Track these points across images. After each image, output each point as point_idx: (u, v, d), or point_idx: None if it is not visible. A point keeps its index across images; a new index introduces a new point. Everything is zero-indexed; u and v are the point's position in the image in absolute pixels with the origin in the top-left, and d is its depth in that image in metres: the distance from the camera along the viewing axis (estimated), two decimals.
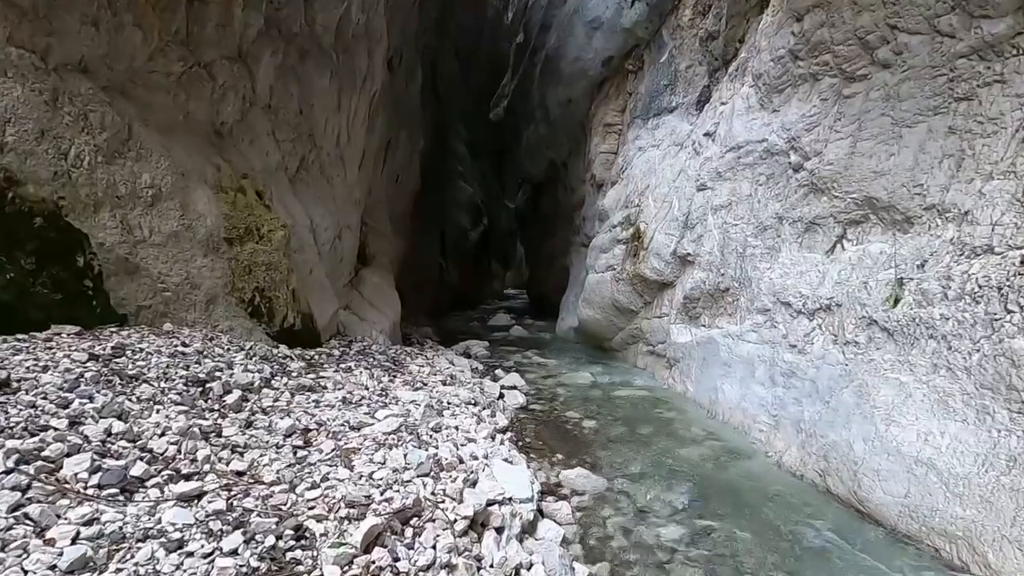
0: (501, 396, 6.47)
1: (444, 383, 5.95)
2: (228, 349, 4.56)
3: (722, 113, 7.01)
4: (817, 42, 5.11)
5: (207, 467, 2.68)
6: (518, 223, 23.19)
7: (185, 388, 3.40)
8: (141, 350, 3.67)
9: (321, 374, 5.11)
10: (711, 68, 8.18)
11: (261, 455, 2.96)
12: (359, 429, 3.65)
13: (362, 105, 8.64)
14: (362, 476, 2.91)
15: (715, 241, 6.66)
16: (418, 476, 3.07)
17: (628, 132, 10.43)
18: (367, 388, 4.96)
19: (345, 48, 8.06)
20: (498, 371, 8.10)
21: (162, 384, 3.34)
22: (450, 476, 3.19)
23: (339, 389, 4.71)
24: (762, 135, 5.99)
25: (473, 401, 5.64)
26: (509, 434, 5.13)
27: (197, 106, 5.87)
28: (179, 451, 2.73)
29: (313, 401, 4.18)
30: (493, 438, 4.39)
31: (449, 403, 5.14)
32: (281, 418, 3.55)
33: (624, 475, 4.50)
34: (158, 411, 3.02)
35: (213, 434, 3.05)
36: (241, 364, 4.25)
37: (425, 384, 5.61)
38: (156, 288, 4.78)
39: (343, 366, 5.65)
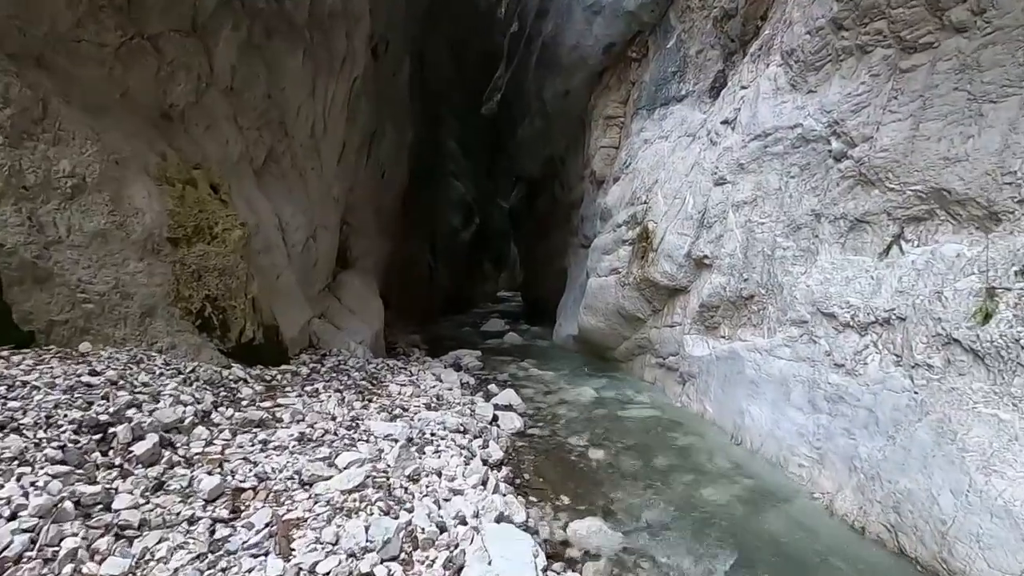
0: (495, 419, 5.65)
1: (429, 406, 5.12)
2: (160, 374, 3.71)
3: (743, 98, 6.23)
4: (868, 7, 4.33)
5: (68, 569, 1.84)
6: (512, 223, 22.36)
7: (75, 437, 2.56)
8: (24, 384, 2.81)
9: (280, 401, 4.26)
10: (726, 51, 7.41)
11: (160, 540, 2.12)
12: (311, 486, 2.82)
13: (340, 91, 7.80)
14: (301, 571, 2.08)
15: (737, 242, 5.88)
16: (383, 562, 2.24)
17: (632, 124, 9.64)
18: (334, 419, 4.13)
19: (320, 27, 7.22)
20: (491, 386, 7.28)
21: (41, 433, 2.50)
22: (427, 557, 2.37)
23: (298, 422, 3.87)
24: (794, 120, 5.21)
25: (462, 429, 4.81)
26: (504, 471, 4.31)
27: (138, 84, 5.02)
28: (33, 544, 1.89)
29: (260, 442, 3.34)
30: (485, 483, 3.56)
31: (433, 434, 4.31)
32: (208, 472, 2.72)
33: (645, 527, 3.70)
34: (20, 477, 2.17)
35: (99, 507, 2.21)
36: (172, 394, 3.41)
37: (406, 410, 4.77)
38: (75, 299, 3.92)
39: (309, 388, 4.81)
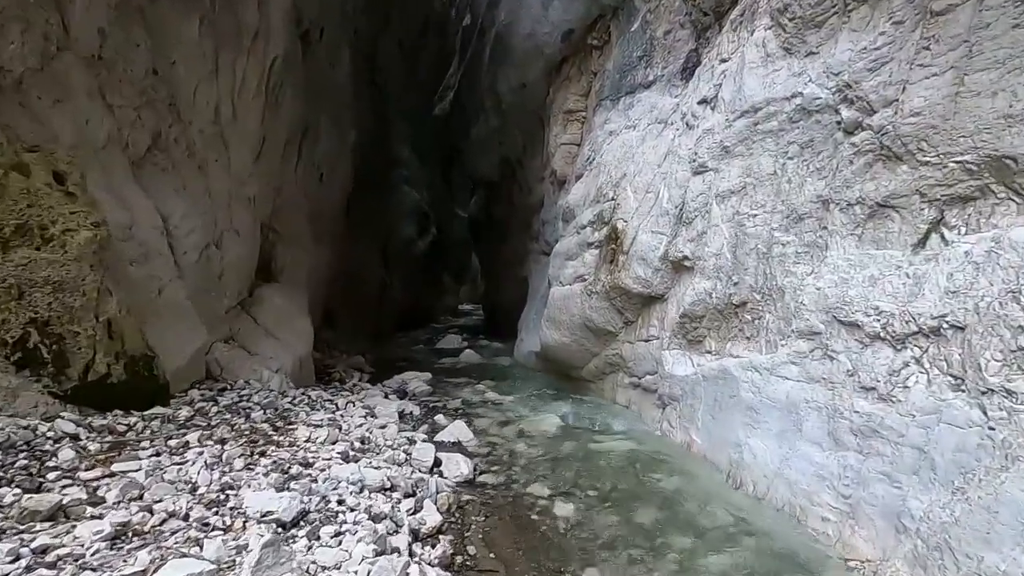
0: (437, 465, 4.49)
1: (346, 456, 3.93)
2: None
3: (724, 72, 5.35)
4: None
5: None
6: (472, 232, 21.27)
7: None
8: None
9: (117, 467, 3.01)
10: (699, 27, 6.56)
11: None
12: None
13: (253, 72, 6.59)
14: None
15: (724, 239, 4.94)
16: None
17: (595, 117, 8.74)
18: (194, 490, 2.91)
19: None
20: (439, 417, 6.13)
21: None
22: None
23: (128, 503, 2.64)
24: (791, 89, 4.32)
25: (388, 485, 3.65)
26: (440, 547, 3.17)
27: None
28: None
29: (37, 548, 2.11)
30: None
31: (340, 502, 3.14)
32: None
33: None
34: None
35: None
36: None
37: (309, 466, 3.57)
38: None
39: (175, 443, 3.55)
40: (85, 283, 3.85)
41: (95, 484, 2.78)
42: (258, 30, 6.48)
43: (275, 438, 4.02)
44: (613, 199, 6.77)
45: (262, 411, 4.71)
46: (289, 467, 3.45)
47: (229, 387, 5.17)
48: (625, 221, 6.37)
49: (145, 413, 4.00)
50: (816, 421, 3.70)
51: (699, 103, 5.66)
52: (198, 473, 3.05)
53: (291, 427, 4.34)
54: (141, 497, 2.71)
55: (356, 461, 3.92)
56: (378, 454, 4.30)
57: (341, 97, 11.16)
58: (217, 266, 5.91)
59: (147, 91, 5.35)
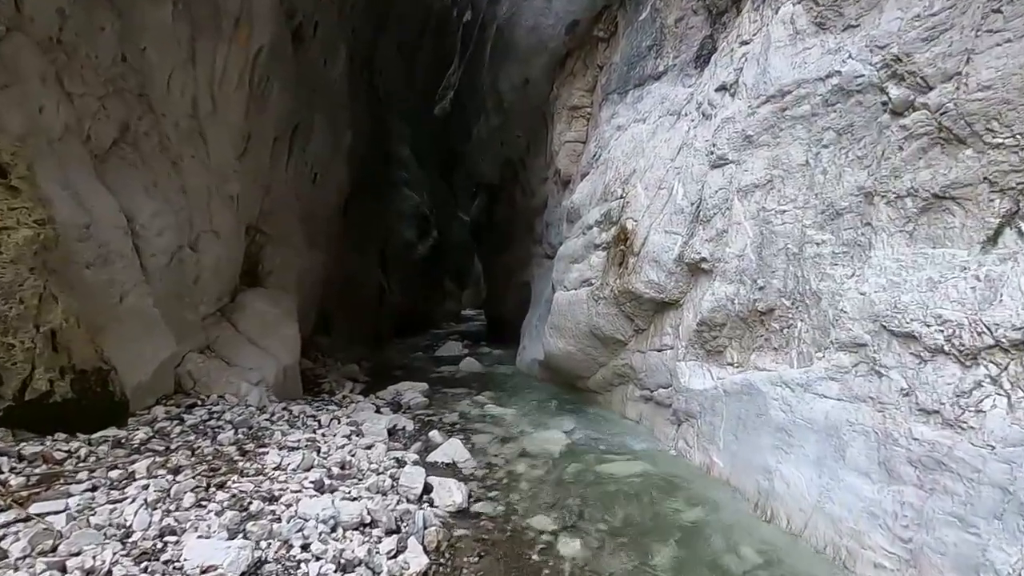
0: (427, 492, 3.99)
1: (321, 485, 3.43)
2: None
3: (745, 55, 4.86)
4: None
5: None
6: (474, 236, 20.80)
7: None
8: None
9: (36, 508, 2.52)
10: (714, 12, 6.08)
11: None
12: None
13: (235, 62, 6.14)
14: None
15: (747, 238, 4.44)
16: None
17: (601, 112, 8.26)
18: (126, 538, 2.42)
19: None
20: (433, 434, 5.62)
21: None
22: None
23: (33, 558, 2.15)
24: (826, 68, 3.82)
25: (368, 520, 3.16)
26: None
27: None
28: None
29: None
30: None
31: (306, 547, 2.64)
32: None
33: None
34: None
35: None
36: None
37: (274, 499, 3.08)
38: None
39: (117, 473, 3.06)
40: (23, 288, 3.38)
41: (5, 531, 2.29)
42: (239, 18, 6.04)
43: (240, 465, 3.53)
44: (622, 197, 6.27)
45: (233, 431, 4.22)
46: (249, 502, 2.95)
47: (200, 403, 4.69)
48: (635, 220, 5.88)
49: (94, 436, 3.52)
50: (863, 448, 3.18)
51: (717, 90, 5.16)
52: (135, 514, 2.56)
53: (262, 451, 3.84)
54: (55, 549, 2.22)
55: (332, 492, 3.42)
56: (360, 481, 3.80)
57: (336, 96, 10.73)
58: (192, 270, 5.45)
59: (115, 79, 4.91)
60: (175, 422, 4.15)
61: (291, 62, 8.19)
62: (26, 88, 4.13)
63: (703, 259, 4.92)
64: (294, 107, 8.38)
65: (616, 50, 8.26)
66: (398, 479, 4.06)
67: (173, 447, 3.66)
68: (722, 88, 5.10)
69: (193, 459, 3.50)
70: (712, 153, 4.96)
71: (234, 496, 3.01)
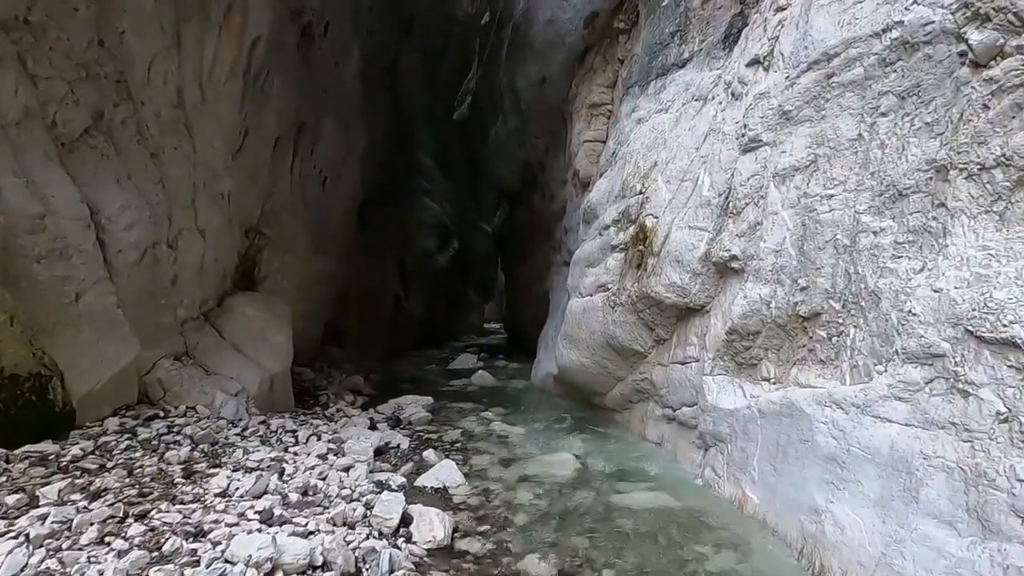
0: (405, 524, 3.40)
1: (269, 516, 2.88)
2: None
3: (782, 23, 4.22)
4: None
5: None
6: (496, 246, 20.34)
7: None
8: None
9: None
10: None
11: None
12: None
13: (226, 51, 5.79)
14: None
15: (785, 230, 3.76)
16: None
17: (621, 107, 7.68)
18: None
19: None
20: (428, 453, 5.05)
21: None
22: None
23: None
24: (884, 20, 3.16)
25: (320, 563, 2.59)
26: None
27: None
28: None
29: None
30: None
31: None
32: None
33: None
34: None
35: None
36: None
37: (204, 533, 2.53)
38: None
39: (16, 498, 2.57)
40: None
41: None
42: (232, 3, 5.70)
43: (179, 489, 3.01)
44: (641, 192, 5.64)
45: (189, 447, 3.72)
46: (166, 539, 2.41)
47: (162, 414, 4.22)
48: (655, 217, 5.24)
49: (16, 451, 3.06)
50: (944, 488, 2.46)
51: (748, 65, 4.53)
52: (7, 554, 2.04)
53: (212, 471, 3.32)
54: None
55: (281, 524, 2.86)
56: (323, 511, 3.24)
57: (349, 98, 10.43)
58: (169, 269, 5.04)
59: (89, 64, 4.58)
60: (125, 436, 3.68)
61: (296, 59, 7.88)
62: None
63: (733, 257, 4.25)
64: (299, 106, 8.05)
65: (637, 41, 7.68)
66: (372, 507, 3.48)
67: (109, 466, 3.18)
68: (754, 62, 4.46)
69: (126, 481, 3.00)
70: (743, 136, 4.31)
71: (152, 530, 2.48)
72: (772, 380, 3.90)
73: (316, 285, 9.12)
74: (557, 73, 9.37)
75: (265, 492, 3.17)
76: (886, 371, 2.90)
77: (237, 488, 3.10)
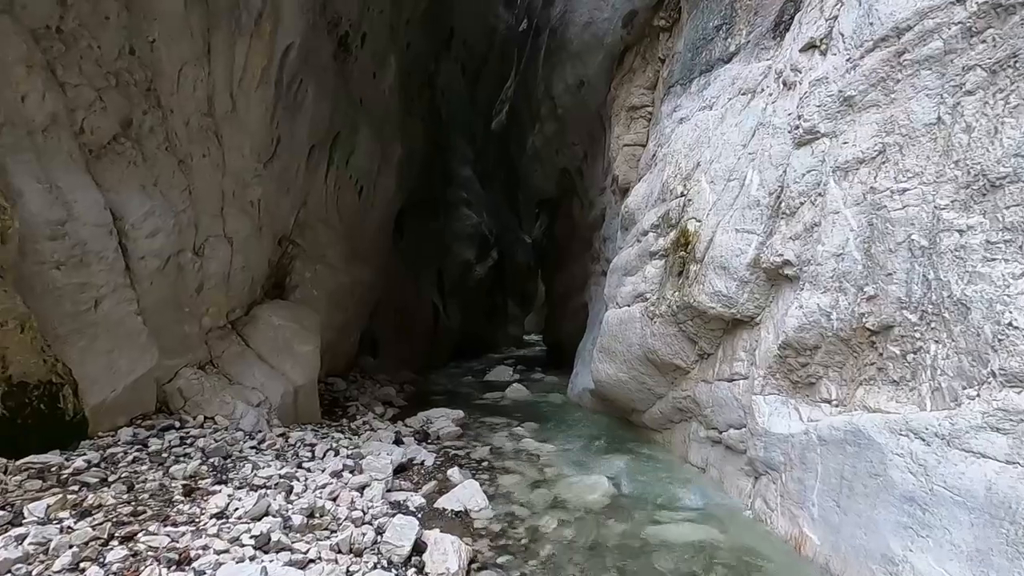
0: (417, 553, 3.11)
1: (266, 541, 2.65)
2: None
3: (841, 1, 3.78)
4: None
5: None
6: (536, 257, 20.07)
7: None
8: None
9: None
10: None
11: None
12: None
13: (257, 59, 5.77)
14: None
15: (848, 231, 3.30)
16: None
17: (662, 107, 7.28)
18: None
19: None
20: (453, 471, 4.77)
21: None
22: None
23: None
24: None
25: None
26: None
27: None
28: None
29: None
30: None
31: None
32: None
33: None
34: None
35: None
36: None
37: (190, 560, 2.32)
38: None
39: (2, 513, 2.43)
40: None
41: None
42: (262, 11, 5.68)
43: (175, 508, 2.82)
44: (682, 195, 5.23)
45: (199, 461, 3.57)
46: (147, 566, 2.20)
47: (178, 425, 4.10)
48: (698, 220, 4.82)
49: (19, 462, 2.95)
50: None
51: (802, 50, 4.08)
52: None
53: (215, 489, 3.13)
54: None
55: (279, 551, 2.62)
56: (328, 535, 2.99)
57: (385, 110, 10.42)
58: (194, 277, 4.99)
59: (119, 72, 4.60)
60: (135, 447, 3.56)
61: (332, 69, 7.88)
62: (11, 76, 3.82)
63: (786, 262, 3.79)
64: (334, 115, 8.03)
65: (679, 38, 7.28)
66: (383, 532, 3.21)
67: (111, 480, 3.04)
68: (810, 47, 4.02)
69: (123, 497, 2.84)
70: (797, 128, 3.87)
71: (134, 555, 2.28)
72: (833, 402, 3.42)
73: (350, 295, 9.05)
74: (595, 76, 9.06)
75: (266, 514, 2.94)
76: (979, 396, 2.42)
77: (236, 509, 2.89)
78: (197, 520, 2.71)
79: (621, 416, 6.67)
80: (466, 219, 17.54)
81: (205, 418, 4.40)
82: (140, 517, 2.64)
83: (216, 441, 3.94)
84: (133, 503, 2.78)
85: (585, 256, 11.10)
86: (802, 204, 3.75)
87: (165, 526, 2.57)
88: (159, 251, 4.53)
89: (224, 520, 2.76)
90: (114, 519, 2.56)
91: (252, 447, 4.14)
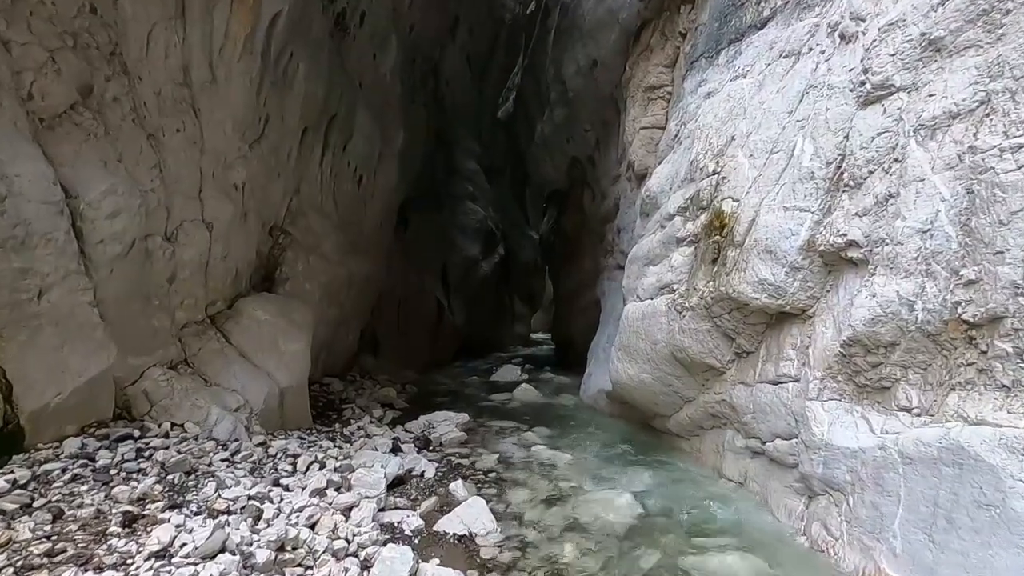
0: None
1: None
2: None
3: None
4: None
5: None
6: (543, 253, 19.47)
7: None
8: None
9: None
10: None
11: None
12: None
13: (239, 25, 5.21)
14: None
15: (938, 202, 2.69)
16: None
17: (684, 83, 6.66)
18: None
19: None
20: (456, 485, 4.21)
21: None
22: None
23: None
24: None
25: None
26: None
27: None
28: None
29: None
30: None
31: None
32: None
33: None
34: None
35: None
36: None
37: None
38: None
39: None
40: None
41: None
42: None
43: (103, 545, 2.25)
44: (715, 172, 4.63)
45: (155, 478, 3.01)
46: None
47: (138, 434, 3.54)
48: (736, 200, 4.22)
49: None
50: None
51: None
52: None
53: (163, 516, 2.56)
54: None
55: None
56: (303, 573, 2.42)
57: (386, 94, 9.85)
58: (165, 266, 4.43)
59: (78, 32, 4.05)
60: (79, 462, 3.00)
61: (326, 46, 7.32)
62: None
63: (851, 243, 3.19)
64: (329, 95, 7.47)
65: (703, 9, 6.67)
66: (371, 567, 2.65)
67: (36, 505, 2.49)
68: None
69: (46, 529, 2.27)
70: (863, 84, 3.26)
71: None
72: (915, 410, 2.82)
73: (347, 289, 8.50)
74: (609, 55, 8.45)
75: (222, 550, 2.37)
76: None
77: (184, 544, 2.32)
78: (129, 561, 2.15)
79: (641, 420, 6.08)
80: (472, 213, 16.96)
81: (172, 425, 3.84)
82: (56, 558, 2.08)
83: (180, 453, 3.38)
84: (54, 538, 2.22)
85: (597, 249, 10.50)
86: (871, 173, 3.14)
87: (85, 571, 2.01)
88: (121, 234, 3.97)
89: (164, 561, 2.20)
90: (20, 561, 2.00)
91: (224, 459, 3.58)
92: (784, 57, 4.51)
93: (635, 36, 8.10)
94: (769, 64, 4.69)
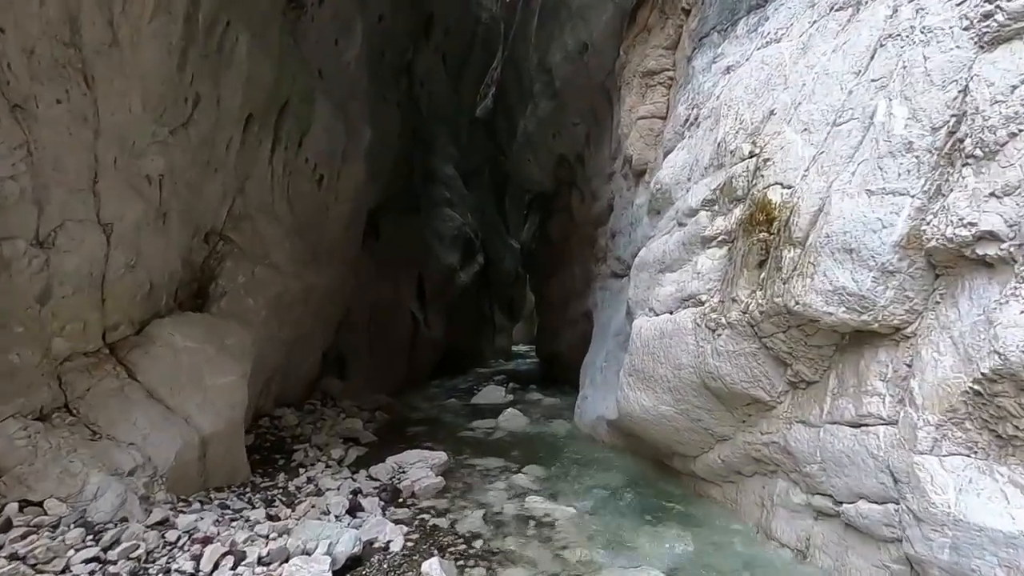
0: None
1: None
2: None
3: None
4: None
5: None
6: (525, 262, 18.53)
7: None
8: None
9: None
10: None
11: None
12: None
13: None
14: None
15: None
16: None
17: (693, 63, 5.78)
18: None
19: None
20: (428, 565, 3.13)
21: None
22: None
23: None
24: None
25: None
26: None
27: None
28: None
29: None
30: None
31: None
32: None
33: None
34: None
35: None
36: None
37: None
38: None
39: None
40: None
41: None
42: None
43: None
44: (752, 155, 3.69)
45: None
46: None
47: None
48: (788, 186, 3.28)
49: None
50: None
51: None
52: None
53: None
54: None
55: None
56: None
57: (351, 86, 8.79)
58: (34, 280, 3.29)
59: None
60: None
61: (276, 21, 6.27)
62: None
63: (984, 235, 2.26)
64: (280, 80, 6.40)
65: None
66: None
67: None
68: None
69: None
70: (988, 18, 2.35)
71: None
72: None
73: (305, 304, 7.37)
74: (601, 38, 7.56)
75: None
76: None
77: None
78: None
79: (653, 457, 5.09)
80: (449, 220, 15.88)
81: (24, 505, 2.70)
82: None
83: (12, 559, 2.25)
84: None
85: (587, 256, 9.55)
86: (1010, 139, 2.22)
87: None
88: None
89: None
90: None
91: (89, 559, 2.46)
92: (837, 10, 3.62)
93: (630, 15, 7.22)
94: (815, 21, 3.79)
